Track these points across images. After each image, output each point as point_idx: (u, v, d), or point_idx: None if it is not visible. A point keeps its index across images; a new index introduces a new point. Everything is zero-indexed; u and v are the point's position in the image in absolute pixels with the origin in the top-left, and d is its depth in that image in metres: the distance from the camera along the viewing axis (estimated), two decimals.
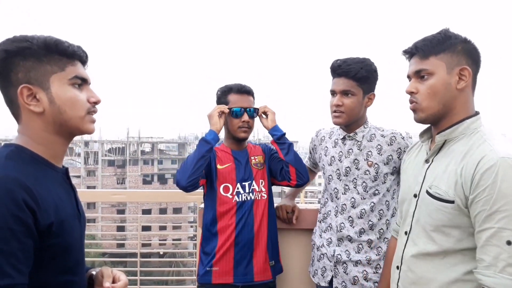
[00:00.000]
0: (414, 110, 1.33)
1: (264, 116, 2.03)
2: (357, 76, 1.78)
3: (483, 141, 1.20)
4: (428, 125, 1.38)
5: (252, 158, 2.03)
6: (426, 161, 1.36)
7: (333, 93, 1.85)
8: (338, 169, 1.90)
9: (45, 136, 1.02)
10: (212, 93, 2.13)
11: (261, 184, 1.99)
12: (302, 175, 1.98)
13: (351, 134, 1.89)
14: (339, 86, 1.81)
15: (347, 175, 1.87)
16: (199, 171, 1.84)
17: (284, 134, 1.99)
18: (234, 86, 2.00)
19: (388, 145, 1.84)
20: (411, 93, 1.32)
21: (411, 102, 1.33)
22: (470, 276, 1.20)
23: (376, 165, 1.83)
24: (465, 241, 1.21)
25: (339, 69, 1.81)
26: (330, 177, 1.93)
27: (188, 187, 1.83)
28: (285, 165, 1.99)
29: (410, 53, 1.34)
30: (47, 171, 1.01)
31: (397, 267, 1.40)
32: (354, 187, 1.85)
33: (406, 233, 1.39)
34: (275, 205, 2.13)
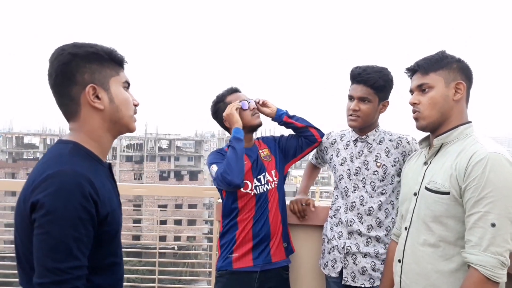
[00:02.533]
0: (416, 118, 1.49)
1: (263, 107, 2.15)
2: (375, 84, 1.89)
3: (475, 142, 1.38)
4: (428, 133, 1.53)
5: (261, 151, 2.16)
6: (425, 163, 1.50)
7: (350, 98, 1.96)
8: (348, 169, 2.02)
9: (100, 133, 1.14)
10: None
11: (273, 174, 2.12)
12: (321, 131, 2.20)
13: (363, 137, 2.01)
14: (357, 92, 1.92)
15: (357, 175, 1.99)
16: (244, 166, 1.96)
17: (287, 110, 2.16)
18: (226, 91, 2.15)
19: (395, 148, 1.98)
20: (414, 104, 1.50)
21: (414, 112, 1.49)
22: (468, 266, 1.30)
23: (384, 166, 1.96)
24: (461, 232, 1.32)
25: (359, 76, 1.91)
26: (341, 176, 2.05)
27: (241, 183, 1.94)
28: (304, 131, 2.15)
29: (412, 70, 1.51)
30: (98, 166, 1.13)
31: (399, 261, 1.52)
32: (363, 186, 1.98)
33: (406, 228, 1.51)
34: (287, 201, 2.22)
